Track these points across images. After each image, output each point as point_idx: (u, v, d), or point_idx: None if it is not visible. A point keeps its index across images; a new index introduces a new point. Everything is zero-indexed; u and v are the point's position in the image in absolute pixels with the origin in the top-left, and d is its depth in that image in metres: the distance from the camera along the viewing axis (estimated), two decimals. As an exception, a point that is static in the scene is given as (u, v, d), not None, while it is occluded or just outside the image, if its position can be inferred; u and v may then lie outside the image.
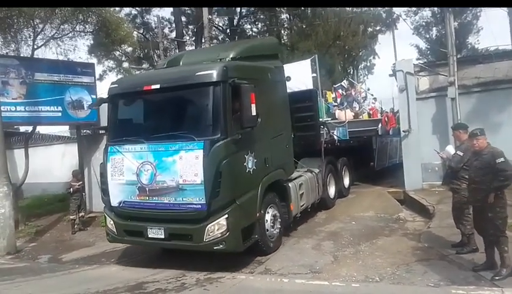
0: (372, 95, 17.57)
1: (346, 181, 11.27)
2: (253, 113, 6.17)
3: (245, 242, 6.33)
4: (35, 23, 12.37)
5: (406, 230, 7.95)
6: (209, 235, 6.04)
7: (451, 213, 6.35)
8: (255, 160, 6.56)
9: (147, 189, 6.36)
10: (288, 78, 8.27)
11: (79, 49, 22.01)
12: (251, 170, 6.49)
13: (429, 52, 30.87)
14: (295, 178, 8.17)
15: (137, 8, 26.55)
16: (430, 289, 5.08)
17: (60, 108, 11.30)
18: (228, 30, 28.76)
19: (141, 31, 27.78)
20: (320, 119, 10.33)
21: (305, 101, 9.39)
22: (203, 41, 20.55)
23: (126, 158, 6.51)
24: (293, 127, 8.61)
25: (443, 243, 6.59)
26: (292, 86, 9.14)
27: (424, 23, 30.30)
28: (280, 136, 7.61)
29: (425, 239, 7.03)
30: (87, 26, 13.58)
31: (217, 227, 6.04)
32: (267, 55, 8.06)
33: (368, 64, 35.30)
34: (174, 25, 25.46)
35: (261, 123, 6.60)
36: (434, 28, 30.04)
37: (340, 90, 16.22)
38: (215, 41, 26.63)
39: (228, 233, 6.04)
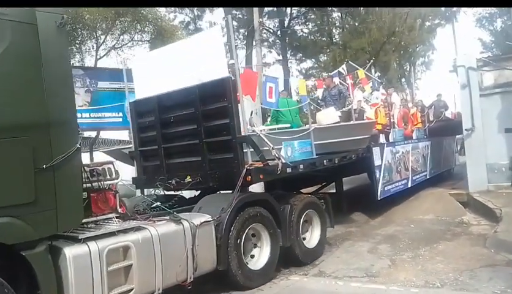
0: (382, 82, 14.29)
1: (315, 237, 6.68)
2: None
3: None
4: (97, 35, 13.22)
5: (470, 234, 7.52)
6: None
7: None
8: None
9: None
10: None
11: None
12: None
13: (493, 45, 29.07)
14: (102, 236, 4.20)
15: (190, 16, 27.67)
16: (496, 297, 4.73)
17: (120, 114, 11.87)
18: (278, 32, 28.97)
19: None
20: (244, 131, 5.74)
21: (216, 101, 5.76)
22: (254, 44, 21.12)
23: None
24: (204, 145, 5.78)
25: (511, 248, 6.14)
26: (200, 76, 5.77)
27: (487, 14, 28.56)
28: (7, 141, 3.70)
29: (491, 244, 6.60)
30: (144, 35, 14.36)
31: None
32: None
33: (426, 60, 33.81)
34: (225, 30, 25.98)
35: None
36: (499, 19, 28.25)
37: (335, 79, 11.48)
38: (265, 43, 27.00)
39: None
